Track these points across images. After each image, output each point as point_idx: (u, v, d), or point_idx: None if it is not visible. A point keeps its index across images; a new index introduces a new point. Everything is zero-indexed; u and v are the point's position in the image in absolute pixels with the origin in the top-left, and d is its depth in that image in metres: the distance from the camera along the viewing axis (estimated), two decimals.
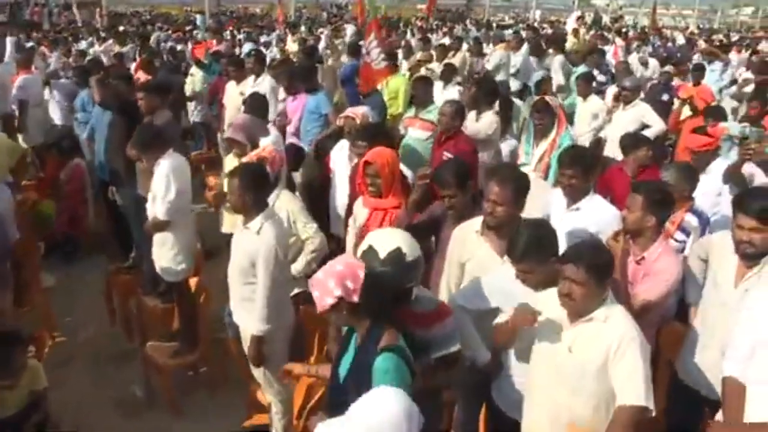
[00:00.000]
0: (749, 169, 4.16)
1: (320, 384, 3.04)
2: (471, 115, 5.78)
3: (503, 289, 2.81)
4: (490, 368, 2.94)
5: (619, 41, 16.10)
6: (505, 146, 5.84)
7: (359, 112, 4.94)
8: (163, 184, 4.19)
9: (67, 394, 4.26)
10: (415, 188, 3.59)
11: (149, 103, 5.40)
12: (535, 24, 25.47)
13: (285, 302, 3.56)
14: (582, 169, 3.48)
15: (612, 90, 8.30)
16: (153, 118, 5.31)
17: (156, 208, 4.26)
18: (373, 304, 2.35)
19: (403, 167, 4.15)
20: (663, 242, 3.18)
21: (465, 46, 12.26)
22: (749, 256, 2.81)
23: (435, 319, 2.60)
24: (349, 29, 16.64)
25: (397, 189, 3.76)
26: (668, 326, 3.45)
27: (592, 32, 18.06)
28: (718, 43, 17.03)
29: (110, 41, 14.19)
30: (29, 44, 13.36)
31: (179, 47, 13.62)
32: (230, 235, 3.71)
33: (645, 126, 6.46)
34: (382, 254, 2.50)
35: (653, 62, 12.11)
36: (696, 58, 12.60)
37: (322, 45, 13.76)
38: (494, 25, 23.74)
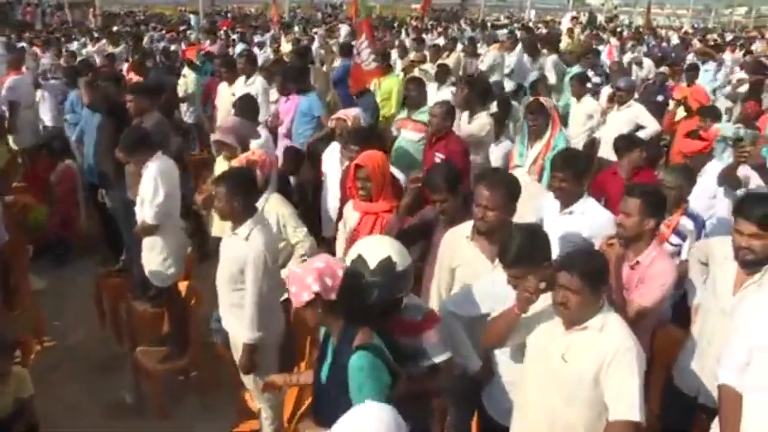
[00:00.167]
0: (744, 171, 4.10)
1: (311, 389, 3.00)
2: (464, 116, 5.75)
3: (495, 294, 2.75)
4: (482, 375, 2.90)
5: (613, 41, 16.10)
6: (501, 149, 5.79)
7: (351, 114, 4.90)
8: (151, 187, 4.14)
9: (56, 398, 4.23)
10: (407, 192, 3.55)
11: (138, 106, 5.34)
12: (530, 24, 25.44)
13: (275, 308, 3.51)
14: (573, 173, 3.42)
15: (606, 91, 8.28)
16: (142, 120, 5.26)
17: (144, 212, 4.21)
18: (349, 304, 2.31)
19: (394, 170, 4.12)
20: (657, 246, 3.11)
21: (459, 46, 12.19)
22: (749, 263, 2.73)
23: (421, 328, 2.55)
24: (344, 29, 16.58)
25: (388, 193, 3.71)
26: (663, 330, 3.42)
27: (586, 32, 18.04)
28: (712, 43, 17.06)
29: (103, 41, 14.11)
30: (20, 44, 13.28)
31: (173, 47, 13.55)
32: None
33: (639, 127, 6.43)
34: (372, 263, 2.44)
35: (648, 62, 12.10)
36: (690, 57, 12.58)
37: (315, 45, 13.70)
38: (489, 24, 23.70)
